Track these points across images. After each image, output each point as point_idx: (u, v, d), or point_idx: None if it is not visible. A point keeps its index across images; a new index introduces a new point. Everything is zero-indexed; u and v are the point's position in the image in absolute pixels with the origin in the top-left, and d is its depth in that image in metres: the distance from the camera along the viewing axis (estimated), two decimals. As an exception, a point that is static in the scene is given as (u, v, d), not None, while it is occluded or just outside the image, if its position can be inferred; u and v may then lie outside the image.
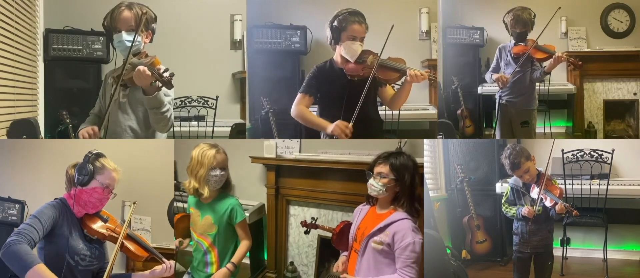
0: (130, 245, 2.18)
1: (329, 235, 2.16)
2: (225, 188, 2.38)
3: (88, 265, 2.10)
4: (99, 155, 2.17)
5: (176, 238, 2.48)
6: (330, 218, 3.18)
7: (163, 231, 3.93)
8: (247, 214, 3.00)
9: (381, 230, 1.88)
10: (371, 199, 2.04)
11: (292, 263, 3.30)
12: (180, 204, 3.06)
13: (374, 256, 1.86)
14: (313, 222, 2.41)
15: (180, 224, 2.46)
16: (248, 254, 2.95)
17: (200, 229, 2.35)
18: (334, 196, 3.15)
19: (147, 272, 2.18)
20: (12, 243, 1.82)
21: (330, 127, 2.51)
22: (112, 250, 2.17)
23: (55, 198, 2.13)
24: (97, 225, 2.13)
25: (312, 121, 2.63)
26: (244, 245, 2.35)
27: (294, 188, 3.33)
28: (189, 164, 2.37)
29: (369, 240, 1.89)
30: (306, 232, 2.55)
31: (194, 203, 2.39)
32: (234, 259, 2.32)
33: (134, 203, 2.22)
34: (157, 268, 2.18)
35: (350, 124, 2.49)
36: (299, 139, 3.41)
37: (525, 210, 2.81)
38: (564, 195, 2.85)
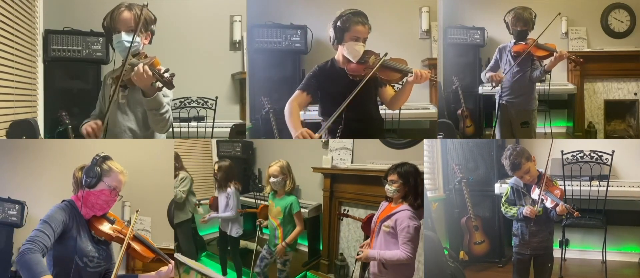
0: (137, 246, 2.21)
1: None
2: (289, 189, 3.24)
3: (96, 267, 2.12)
4: (106, 158, 2.19)
5: (257, 219, 3.43)
6: (376, 217, 3.51)
7: (163, 231, 3.94)
8: (306, 210, 3.94)
9: (389, 217, 2.44)
10: (388, 197, 2.56)
11: (341, 254, 3.86)
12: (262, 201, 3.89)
13: (384, 236, 2.44)
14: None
15: (263, 211, 3.42)
16: (306, 243, 4.22)
17: (273, 214, 3.25)
18: (379, 199, 3.27)
19: (153, 272, 2.20)
20: (25, 251, 1.84)
21: (296, 134, 2.52)
22: (118, 251, 2.19)
23: (63, 201, 2.14)
24: (105, 227, 2.16)
25: (289, 121, 2.62)
26: (296, 229, 3.21)
27: (345, 192, 3.94)
28: None
29: (381, 223, 2.46)
30: (340, 219, 3.76)
31: (272, 197, 3.29)
32: (288, 239, 3.17)
33: (137, 211, 2.27)
34: (163, 269, 2.20)
35: (317, 135, 2.51)
36: (351, 152, 4.14)
37: (526, 210, 2.79)
38: (565, 196, 2.83)
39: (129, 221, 2.22)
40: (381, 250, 2.41)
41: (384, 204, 2.57)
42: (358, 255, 2.47)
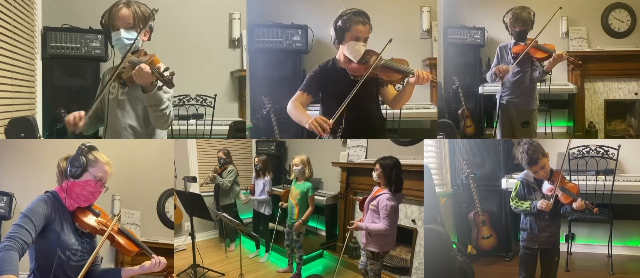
0: (121, 240, 2.14)
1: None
2: (307, 176, 3.82)
3: (79, 260, 2.03)
4: (91, 148, 2.09)
5: (280, 201, 4.17)
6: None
7: (152, 225, 3.95)
8: (324, 199, 4.63)
9: (374, 198, 2.87)
10: (377, 183, 2.92)
11: (355, 237, 4.22)
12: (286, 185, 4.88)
13: (371, 213, 2.87)
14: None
15: (285, 194, 4.08)
16: (324, 228, 4.88)
17: (293, 195, 3.83)
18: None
19: (137, 267, 2.13)
20: (2, 248, 1.77)
21: (308, 122, 2.44)
22: (103, 244, 2.13)
23: (46, 192, 2.05)
24: (89, 219, 2.07)
25: (296, 116, 2.58)
26: (309, 209, 3.78)
27: (359, 183, 4.35)
28: None
29: (369, 203, 2.89)
30: (341, 197, 4.39)
31: (294, 182, 3.87)
32: (303, 217, 3.77)
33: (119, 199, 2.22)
34: (147, 263, 2.13)
35: (331, 121, 2.43)
36: (365, 148, 4.54)
37: (541, 204, 2.73)
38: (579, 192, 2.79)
39: (115, 214, 2.14)
40: (369, 222, 2.86)
41: (375, 188, 2.96)
42: (350, 225, 2.96)
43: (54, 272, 1.95)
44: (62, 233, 1.98)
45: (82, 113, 2.43)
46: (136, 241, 2.20)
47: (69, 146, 2.12)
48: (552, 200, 2.73)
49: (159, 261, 2.15)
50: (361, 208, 3.05)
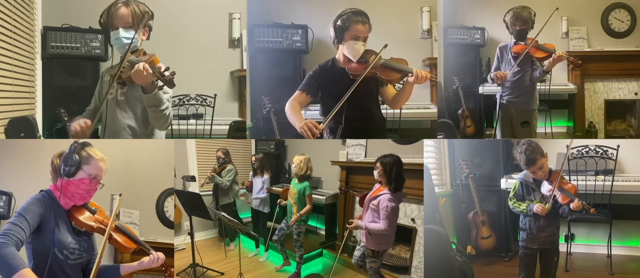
0: (119, 237, 2.12)
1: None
2: (305, 176, 3.82)
3: (77, 259, 2.02)
4: (85, 144, 2.05)
5: (279, 199, 4.15)
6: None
7: (151, 225, 3.95)
8: (324, 198, 4.68)
9: (374, 197, 2.89)
10: (379, 181, 2.95)
11: (354, 236, 4.37)
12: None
13: (371, 212, 2.89)
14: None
15: (284, 192, 4.11)
16: (324, 227, 4.94)
17: (291, 195, 3.85)
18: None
19: (135, 263, 2.12)
20: None
21: (300, 125, 2.45)
22: (100, 242, 2.09)
23: (41, 190, 2.01)
24: (85, 217, 2.04)
25: (291, 117, 2.57)
26: (307, 207, 3.79)
27: (359, 182, 4.38)
28: None
29: (369, 202, 2.92)
30: (342, 193, 4.36)
31: (293, 181, 3.87)
32: (301, 212, 3.79)
33: (120, 195, 2.21)
34: (145, 259, 2.12)
35: (322, 125, 2.44)
36: (365, 147, 4.62)
37: (537, 208, 2.74)
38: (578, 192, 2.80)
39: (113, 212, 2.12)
40: (369, 222, 2.88)
41: (376, 186, 2.97)
42: (350, 224, 2.96)
43: (52, 272, 1.94)
44: (58, 232, 1.96)
45: (88, 121, 2.45)
46: (134, 238, 2.18)
47: (68, 146, 2.11)
48: (550, 201, 2.73)
49: (157, 257, 2.14)
50: (361, 204, 3.06)
